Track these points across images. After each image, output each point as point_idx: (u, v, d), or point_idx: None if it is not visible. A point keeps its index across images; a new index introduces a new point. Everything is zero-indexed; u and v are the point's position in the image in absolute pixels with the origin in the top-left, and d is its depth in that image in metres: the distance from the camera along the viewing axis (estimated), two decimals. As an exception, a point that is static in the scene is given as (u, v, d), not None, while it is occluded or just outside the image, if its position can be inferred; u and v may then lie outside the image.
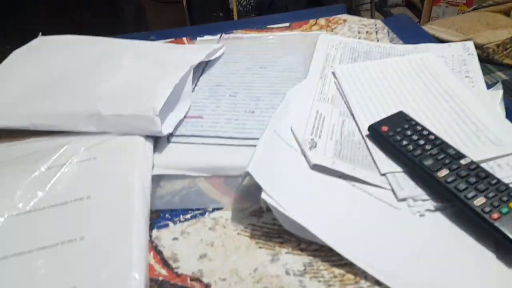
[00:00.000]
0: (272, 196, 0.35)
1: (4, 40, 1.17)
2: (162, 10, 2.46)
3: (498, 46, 0.87)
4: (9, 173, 0.40)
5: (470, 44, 0.60)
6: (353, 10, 2.65)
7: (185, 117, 0.51)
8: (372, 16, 2.36)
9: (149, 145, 0.45)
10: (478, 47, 0.91)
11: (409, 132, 0.42)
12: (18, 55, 0.62)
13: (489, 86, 0.54)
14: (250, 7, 2.54)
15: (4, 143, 0.47)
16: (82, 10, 1.31)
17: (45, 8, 1.29)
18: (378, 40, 0.67)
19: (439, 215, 0.36)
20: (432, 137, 0.41)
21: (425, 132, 0.42)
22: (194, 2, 2.03)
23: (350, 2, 2.63)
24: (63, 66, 0.57)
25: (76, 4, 1.29)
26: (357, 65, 0.56)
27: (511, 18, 1.01)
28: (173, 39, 0.73)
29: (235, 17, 2.09)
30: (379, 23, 0.73)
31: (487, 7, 1.09)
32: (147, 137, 0.46)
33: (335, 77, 0.55)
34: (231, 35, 0.71)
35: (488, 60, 0.87)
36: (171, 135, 0.48)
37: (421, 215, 0.36)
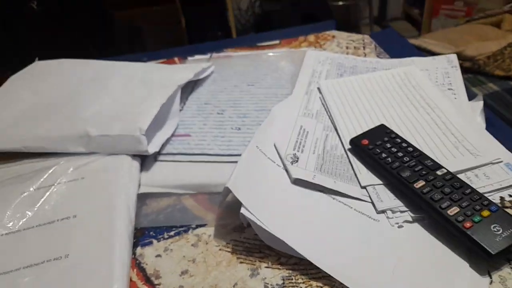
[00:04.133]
0: (251, 211, 0.36)
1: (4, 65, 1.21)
2: (162, 31, 2.51)
3: (488, 57, 0.88)
4: (0, 194, 0.41)
5: (454, 57, 0.61)
6: (353, 25, 2.69)
7: (172, 135, 0.52)
8: (371, 29, 2.39)
9: (136, 164, 0.46)
10: (469, 59, 0.92)
11: (388, 145, 0.43)
12: (14, 80, 0.64)
13: (470, 97, 0.55)
14: (249, 25, 2.58)
15: (-3, 166, 0.49)
16: (80, 34, 1.35)
17: (44, 31, 1.33)
18: (365, 55, 0.68)
19: (416, 226, 0.36)
20: (410, 149, 0.42)
21: (404, 145, 0.43)
22: (193, 22, 2.07)
23: (349, 16, 2.67)
24: (55, 90, 0.59)
25: (75, 29, 1.33)
26: (342, 80, 0.57)
27: (501, 30, 1.02)
28: (165, 59, 0.75)
29: (234, 36, 2.12)
30: (367, 38, 0.74)
31: (478, 20, 1.11)
32: (134, 156, 0.47)
33: (320, 92, 0.56)
34: (221, 54, 0.73)
35: (479, 71, 0.88)
36: (158, 153, 0.49)
37: (400, 226, 0.36)
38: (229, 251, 0.37)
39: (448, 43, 1.01)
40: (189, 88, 0.62)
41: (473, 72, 0.90)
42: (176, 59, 0.74)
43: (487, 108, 0.51)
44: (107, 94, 0.55)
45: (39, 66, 0.68)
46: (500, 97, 0.81)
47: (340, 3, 2.26)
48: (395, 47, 0.70)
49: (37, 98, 0.57)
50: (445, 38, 1.04)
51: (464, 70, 0.92)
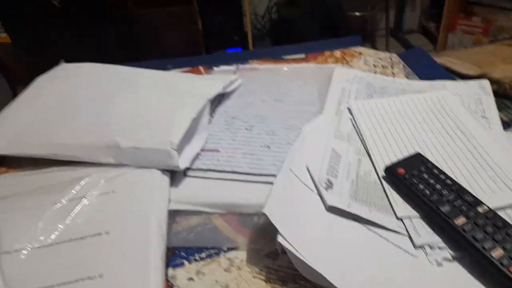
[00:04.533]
0: (287, 239, 0.35)
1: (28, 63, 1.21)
2: (179, 32, 2.51)
3: (514, 81, 0.87)
4: (31, 204, 0.41)
5: (486, 83, 0.60)
6: (368, 36, 2.68)
7: (201, 150, 0.51)
8: (387, 42, 2.38)
9: (166, 179, 0.46)
10: (494, 81, 0.91)
11: (426, 176, 0.42)
12: (40, 82, 0.64)
13: (505, 126, 0.54)
14: (264, 30, 2.58)
15: (26, 172, 0.49)
16: (101, 31, 1.35)
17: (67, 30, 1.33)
18: (394, 75, 0.68)
19: (456, 265, 0.35)
20: (449, 181, 0.41)
21: (442, 176, 0.42)
22: (210, 25, 2.07)
23: (366, 27, 2.66)
24: (83, 94, 0.58)
25: (95, 25, 1.33)
26: (373, 102, 0.57)
27: (527, 52, 1.01)
28: (189, 67, 0.75)
29: (250, 41, 2.12)
30: (395, 57, 0.73)
31: (502, 41, 1.09)
32: (164, 170, 0.46)
33: (350, 113, 0.55)
34: (247, 66, 0.73)
35: (504, 95, 0.87)
36: (187, 168, 0.48)
37: (439, 264, 0.35)
38: (262, 279, 0.36)
39: (472, 63, 1.00)
40: (216, 100, 0.61)
41: (498, 95, 0.89)
42: (201, 68, 0.74)
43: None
44: (137, 101, 0.54)
45: (65, 69, 0.68)
46: (525, 123, 0.80)
47: (357, 13, 2.25)
48: (424, 68, 0.70)
49: (65, 101, 0.57)
50: (468, 58, 1.02)
51: (489, 93, 0.91)
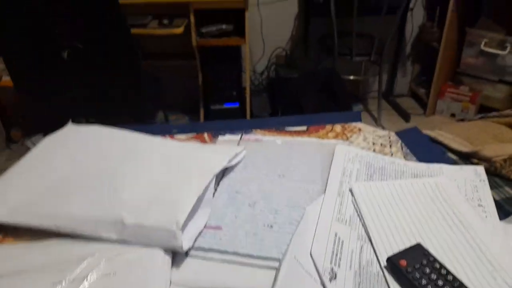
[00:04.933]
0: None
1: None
2: (179, 83, 2.58)
3: (505, 161, 0.90)
4: (30, 284, 0.40)
5: (481, 170, 0.63)
6: (361, 97, 2.78)
7: (204, 227, 0.52)
8: (379, 104, 2.46)
9: (168, 259, 0.45)
10: (486, 160, 0.94)
11: (427, 270, 0.42)
12: (47, 144, 0.65)
13: (500, 214, 0.56)
14: (261, 86, 2.67)
15: (24, 244, 0.48)
16: (109, 82, 1.38)
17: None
18: (392, 154, 0.70)
19: None
20: (450, 277, 0.42)
21: (443, 271, 0.42)
22: (210, 78, 2.14)
23: (359, 90, 2.77)
24: (90, 161, 0.59)
25: (104, 77, 1.37)
26: (374, 184, 0.58)
27: (516, 132, 1.06)
28: (194, 133, 0.76)
29: (248, 97, 2.18)
30: (393, 135, 0.76)
31: (492, 117, 1.14)
32: (166, 250, 0.46)
33: (352, 194, 0.57)
34: (251, 136, 0.75)
35: (496, 174, 0.90)
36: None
37: None
38: None
39: (464, 139, 1.03)
40: (220, 172, 0.62)
41: (489, 174, 0.91)
42: (206, 135, 0.75)
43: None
44: (145, 175, 0.55)
45: (72, 131, 0.69)
46: (518, 204, 0.82)
47: (351, 77, 2.35)
48: (421, 149, 0.72)
49: (71, 169, 0.58)
50: (460, 133, 1.07)
51: (481, 171, 0.94)
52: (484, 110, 2.43)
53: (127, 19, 1.26)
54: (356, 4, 1.99)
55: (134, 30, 1.78)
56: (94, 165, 0.58)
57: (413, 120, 2.48)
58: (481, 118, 1.20)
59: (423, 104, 2.60)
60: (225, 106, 2.22)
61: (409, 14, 2.49)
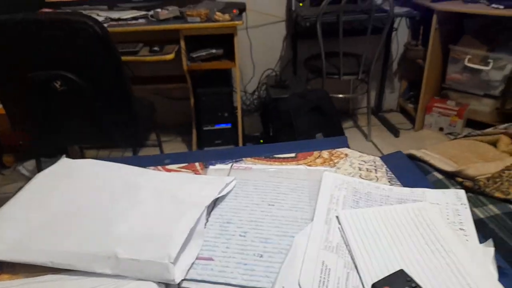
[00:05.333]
0: None
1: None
2: (172, 105, 2.61)
3: (488, 179, 0.93)
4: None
5: (462, 194, 0.65)
6: (351, 114, 2.83)
7: (196, 258, 0.53)
8: (368, 120, 2.51)
9: (162, 293, 0.47)
10: (470, 178, 0.98)
11: (410, 296, 0.45)
12: (41, 179, 0.67)
13: (484, 227, 0.58)
14: (253, 106, 2.71)
15: (20, 280, 0.49)
16: (101, 110, 1.40)
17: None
18: (377, 179, 0.73)
19: None
20: (432, 303, 0.44)
21: (425, 297, 0.44)
22: (202, 99, 2.17)
23: (348, 106, 2.82)
24: (83, 197, 0.61)
25: (97, 105, 1.39)
26: (359, 211, 0.60)
27: (498, 150, 1.09)
28: (186, 164, 0.79)
29: (239, 117, 2.21)
30: (378, 160, 0.79)
31: (475, 136, 1.18)
32: (159, 283, 0.48)
33: (339, 222, 0.59)
34: (241, 165, 0.77)
35: (479, 192, 0.93)
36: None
37: None
38: None
39: (449, 158, 1.07)
40: (212, 203, 0.64)
41: (474, 192, 0.95)
42: (197, 165, 0.78)
43: (498, 255, 0.53)
44: (138, 208, 0.57)
45: (66, 166, 0.71)
46: (501, 221, 0.84)
47: (341, 96, 2.40)
48: (405, 173, 0.75)
49: (66, 204, 0.59)
50: (445, 153, 1.10)
51: (466, 189, 0.97)
52: (471, 123, 2.49)
53: (117, 48, 1.29)
54: (341, 26, 2.05)
55: (125, 58, 1.82)
56: (88, 200, 0.60)
57: (402, 135, 2.52)
58: (465, 136, 1.24)
59: (411, 119, 2.65)
60: (217, 127, 2.25)
61: (394, 33, 2.57)
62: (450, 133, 2.50)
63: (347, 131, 2.59)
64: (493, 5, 2.07)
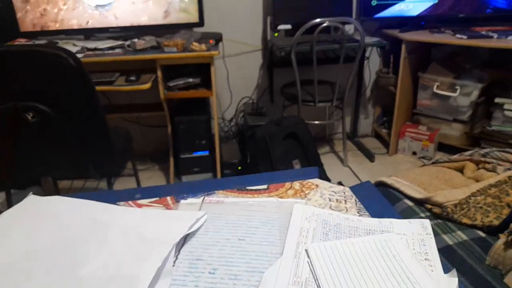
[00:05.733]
0: None
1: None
2: (149, 133, 2.60)
3: (455, 206, 0.96)
4: None
5: (427, 223, 0.67)
6: (327, 139, 2.88)
7: (164, 299, 0.53)
8: (344, 145, 2.56)
9: (127, 338, 0.46)
10: (438, 205, 1.01)
11: (376, 332, 0.45)
12: (7, 218, 0.65)
13: (453, 253, 0.59)
14: (231, 133, 2.72)
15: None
16: (76, 142, 1.39)
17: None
18: (347, 210, 0.74)
19: None
20: (397, 338, 0.44)
21: (390, 333, 0.45)
22: (180, 127, 2.17)
23: (325, 132, 2.88)
24: (49, 238, 0.60)
25: (70, 137, 1.37)
26: (328, 244, 0.61)
27: (464, 176, 1.13)
28: (157, 198, 0.78)
29: (217, 144, 2.22)
30: (347, 191, 0.81)
31: (442, 163, 1.22)
32: (126, 327, 0.47)
33: (308, 256, 0.59)
34: (213, 198, 0.77)
35: (448, 218, 0.95)
36: (150, 323, 0.49)
37: None
38: None
39: (418, 185, 1.10)
40: (181, 239, 0.64)
41: (442, 219, 0.97)
42: (169, 199, 0.77)
43: (467, 282, 0.55)
44: (105, 248, 0.56)
45: (32, 205, 0.69)
46: (469, 247, 0.87)
47: (317, 122, 2.45)
48: (374, 204, 0.77)
49: (31, 245, 0.58)
50: (415, 179, 1.13)
51: (435, 216, 1.00)
52: (442, 147, 2.57)
53: (91, 79, 1.29)
54: (315, 55, 2.11)
55: (101, 88, 1.82)
56: (54, 240, 0.59)
57: (377, 160, 2.58)
58: (433, 163, 1.29)
59: (386, 144, 2.72)
60: (195, 154, 2.24)
61: (366, 61, 2.66)
62: (423, 157, 2.57)
63: (324, 157, 2.63)
64: (458, 35, 2.19)
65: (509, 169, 1.10)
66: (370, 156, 2.59)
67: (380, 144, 2.82)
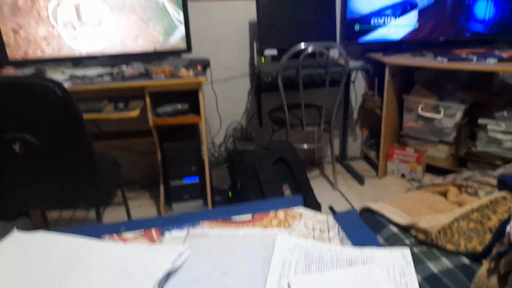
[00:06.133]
0: None
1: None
2: (139, 160, 2.60)
3: (439, 231, 0.97)
4: None
5: (407, 252, 0.68)
6: (317, 162, 2.90)
7: (146, 338, 0.52)
8: (333, 168, 2.57)
9: None
10: (422, 231, 1.02)
11: None
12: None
13: (438, 281, 0.60)
14: (221, 158, 2.73)
15: None
16: (62, 172, 1.38)
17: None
18: (329, 240, 0.75)
19: None
20: None
21: None
22: (168, 155, 2.18)
23: (314, 156, 2.90)
24: (33, 274, 0.59)
25: (58, 168, 1.37)
26: (310, 278, 0.62)
27: (448, 201, 1.15)
28: (142, 230, 0.78)
29: (206, 170, 2.22)
30: (331, 219, 0.82)
31: (427, 187, 1.24)
32: None
33: (290, 289, 0.60)
34: (197, 230, 0.78)
35: (432, 245, 0.96)
36: None
37: None
38: None
39: (403, 211, 1.11)
40: (165, 275, 0.64)
41: (427, 244, 0.98)
42: (154, 232, 0.77)
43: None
44: (88, 286, 0.56)
45: (17, 240, 0.69)
46: (454, 275, 0.88)
47: (305, 146, 2.47)
48: (356, 233, 0.78)
49: (15, 282, 0.58)
50: (400, 205, 1.15)
51: (420, 242, 1.00)
52: (430, 169, 2.60)
53: (79, 110, 1.30)
54: (301, 80, 2.16)
55: (89, 116, 1.83)
56: (38, 277, 0.59)
57: (367, 183, 2.60)
58: (418, 188, 1.30)
59: (375, 166, 2.74)
60: (185, 181, 2.24)
61: (351, 85, 2.72)
62: (412, 179, 2.59)
63: (315, 181, 2.64)
64: (439, 59, 2.26)
65: (490, 192, 1.12)
66: (360, 179, 2.60)
67: (369, 166, 2.85)
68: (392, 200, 1.20)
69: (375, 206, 1.16)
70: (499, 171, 1.31)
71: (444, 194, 1.20)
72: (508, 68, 2.05)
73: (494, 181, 1.16)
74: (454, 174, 1.26)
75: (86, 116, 1.83)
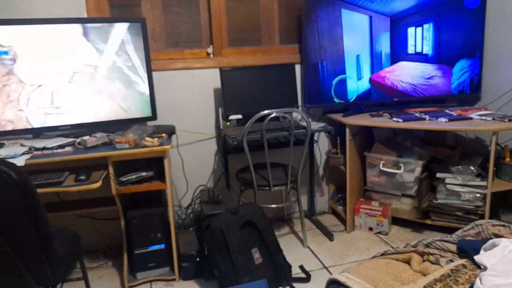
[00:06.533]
0: None
1: None
2: (101, 227, 2.49)
3: (404, 306, 0.98)
4: None
5: None
6: (287, 219, 2.89)
7: None
8: (302, 224, 2.57)
9: None
10: (388, 306, 1.02)
11: None
12: None
13: None
14: (189, 220, 2.68)
15: None
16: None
17: None
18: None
19: None
20: None
21: None
22: (132, 223, 2.10)
23: (283, 213, 2.90)
24: None
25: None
26: None
27: (411, 269, 1.17)
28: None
29: (173, 236, 2.16)
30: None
31: (391, 254, 1.26)
32: None
33: None
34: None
35: (398, 321, 0.96)
36: None
37: None
38: None
39: (368, 283, 1.12)
40: None
41: (394, 321, 0.98)
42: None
43: None
44: None
45: None
46: None
47: (273, 206, 2.48)
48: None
49: None
50: (366, 275, 1.15)
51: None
52: (396, 221, 2.65)
53: (35, 193, 1.26)
54: (265, 142, 2.20)
55: (48, 189, 1.77)
56: None
57: (336, 238, 2.60)
58: (382, 255, 1.32)
59: (343, 221, 2.76)
60: (150, 249, 2.16)
61: (315, 144, 2.80)
62: (379, 232, 2.62)
63: (284, 238, 2.62)
64: (394, 119, 2.39)
65: (451, 260, 1.15)
66: (329, 235, 2.61)
67: (338, 221, 2.87)
68: (358, 269, 1.20)
69: (342, 277, 1.15)
70: (458, 233, 1.36)
71: (408, 262, 1.22)
72: (459, 128, 2.19)
73: (453, 247, 1.20)
74: (415, 241, 1.28)
75: (45, 190, 1.76)
